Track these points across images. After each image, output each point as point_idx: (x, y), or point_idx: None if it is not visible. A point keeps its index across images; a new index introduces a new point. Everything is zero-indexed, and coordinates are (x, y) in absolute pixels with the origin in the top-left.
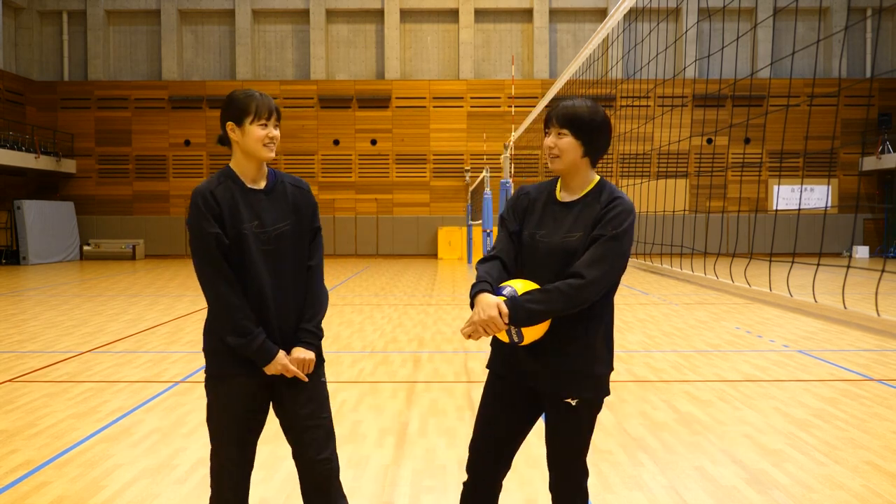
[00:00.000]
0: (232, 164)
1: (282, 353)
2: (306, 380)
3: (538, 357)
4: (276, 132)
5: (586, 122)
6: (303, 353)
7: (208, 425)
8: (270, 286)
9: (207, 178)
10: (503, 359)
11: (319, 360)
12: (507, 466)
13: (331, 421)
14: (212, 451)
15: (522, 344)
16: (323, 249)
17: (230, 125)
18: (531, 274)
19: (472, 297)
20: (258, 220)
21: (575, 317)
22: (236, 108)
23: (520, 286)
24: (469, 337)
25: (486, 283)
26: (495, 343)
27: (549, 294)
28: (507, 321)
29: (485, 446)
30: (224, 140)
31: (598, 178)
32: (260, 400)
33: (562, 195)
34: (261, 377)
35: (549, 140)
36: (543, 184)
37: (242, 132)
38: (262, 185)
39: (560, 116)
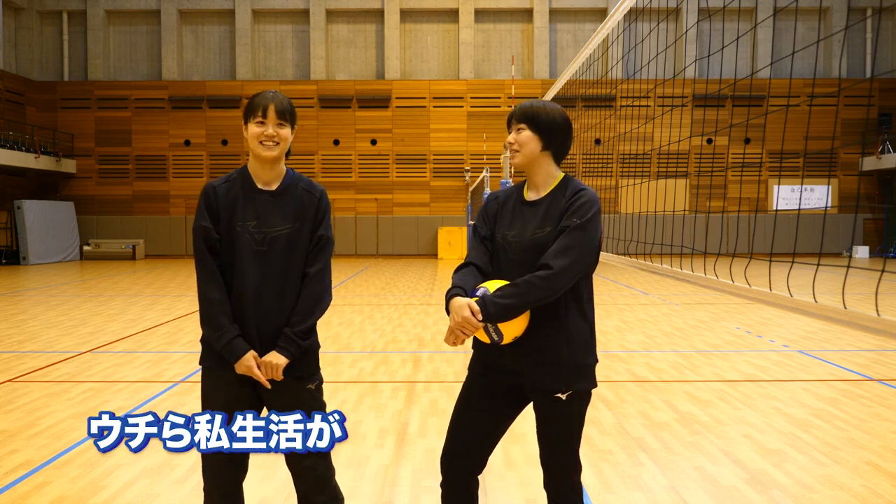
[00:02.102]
0: (248, 163)
1: (251, 354)
2: (268, 386)
3: (525, 353)
4: (273, 130)
5: (542, 116)
6: (272, 358)
7: None
8: (255, 286)
9: (222, 176)
10: (488, 359)
11: (311, 368)
12: (484, 465)
13: None
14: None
15: (504, 342)
16: (327, 257)
17: (244, 126)
18: (508, 274)
19: (446, 303)
20: (256, 220)
21: (558, 309)
22: (246, 108)
23: (492, 286)
24: (454, 343)
25: (458, 288)
26: (477, 345)
27: (518, 287)
28: (480, 318)
29: (465, 445)
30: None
31: (562, 174)
32: (243, 397)
33: (528, 194)
34: (241, 374)
35: (510, 136)
36: (512, 187)
37: (246, 130)
38: (273, 186)
39: (518, 113)
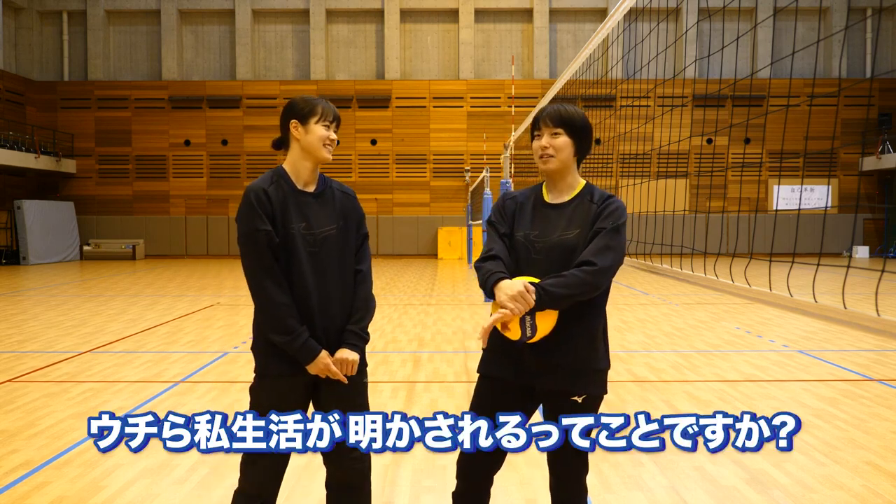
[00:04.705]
0: (285, 165)
1: (324, 352)
2: (346, 381)
3: (544, 356)
4: (335, 136)
5: (577, 121)
6: (346, 354)
7: None
8: (315, 287)
9: (261, 177)
10: (504, 360)
11: (363, 363)
12: (501, 464)
13: None
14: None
15: (532, 340)
16: (370, 254)
17: (294, 123)
18: (528, 272)
19: (491, 286)
20: (305, 221)
21: (577, 314)
22: (302, 108)
23: (533, 280)
24: (503, 326)
25: (502, 273)
26: (493, 346)
27: (567, 279)
28: (534, 298)
29: (482, 452)
30: (281, 143)
31: (584, 181)
32: (303, 399)
33: (550, 197)
34: (306, 376)
35: (543, 141)
36: (527, 189)
37: (306, 130)
38: (311, 188)
39: (553, 117)
